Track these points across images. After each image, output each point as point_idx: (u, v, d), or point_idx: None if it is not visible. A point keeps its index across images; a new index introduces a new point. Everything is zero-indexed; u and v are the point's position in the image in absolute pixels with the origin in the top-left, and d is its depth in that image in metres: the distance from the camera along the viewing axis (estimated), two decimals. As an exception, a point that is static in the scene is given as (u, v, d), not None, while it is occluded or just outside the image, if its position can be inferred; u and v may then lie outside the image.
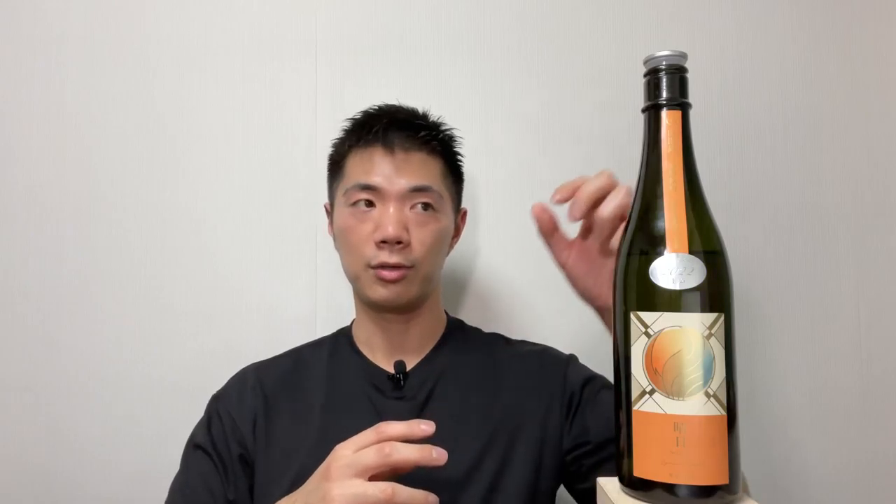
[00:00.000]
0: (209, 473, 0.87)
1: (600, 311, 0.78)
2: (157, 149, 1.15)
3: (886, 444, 1.13)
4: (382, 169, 0.87)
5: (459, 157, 0.96)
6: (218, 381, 0.94)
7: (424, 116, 0.93)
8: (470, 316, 1.09)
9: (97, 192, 1.14)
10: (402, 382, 0.89)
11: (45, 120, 1.14)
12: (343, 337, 0.97)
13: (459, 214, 0.97)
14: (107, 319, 1.13)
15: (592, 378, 0.92)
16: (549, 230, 0.77)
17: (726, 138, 1.16)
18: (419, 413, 0.86)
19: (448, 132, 0.94)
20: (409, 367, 0.91)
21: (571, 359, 0.96)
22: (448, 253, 0.96)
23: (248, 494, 0.87)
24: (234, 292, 1.14)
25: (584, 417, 0.88)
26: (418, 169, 0.88)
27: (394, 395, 0.88)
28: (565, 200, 0.70)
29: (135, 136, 1.15)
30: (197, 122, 1.15)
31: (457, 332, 0.97)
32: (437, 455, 0.64)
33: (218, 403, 0.91)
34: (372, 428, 0.66)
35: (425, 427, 0.65)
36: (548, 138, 1.16)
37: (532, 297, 1.15)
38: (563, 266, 0.79)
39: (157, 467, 1.07)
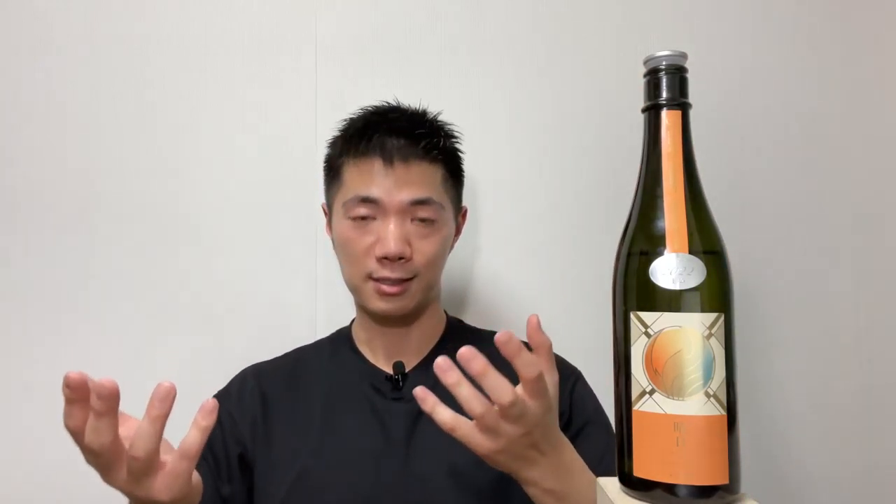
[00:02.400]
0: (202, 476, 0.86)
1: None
2: (156, 149, 1.14)
3: (887, 443, 1.13)
4: (381, 182, 0.85)
5: (461, 158, 0.95)
6: (218, 381, 0.95)
7: (423, 119, 0.91)
8: (471, 317, 1.09)
9: (97, 192, 1.13)
10: (400, 384, 0.89)
11: (45, 120, 1.14)
12: (343, 337, 0.97)
13: (460, 213, 0.97)
14: (106, 320, 1.12)
15: (592, 419, 0.90)
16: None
17: (726, 138, 1.16)
18: (418, 415, 0.86)
19: (448, 132, 0.92)
20: (408, 367, 0.91)
21: (579, 377, 0.94)
22: (449, 253, 0.95)
23: (246, 492, 0.87)
24: (234, 292, 1.14)
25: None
26: (418, 180, 0.86)
27: (392, 396, 0.89)
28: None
29: (134, 136, 1.14)
30: (197, 122, 1.15)
31: (456, 332, 0.97)
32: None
33: (218, 404, 0.91)
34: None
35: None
36: (548, 138, 1.16)
37: (532, 298, 1.15)
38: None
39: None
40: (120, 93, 1.14)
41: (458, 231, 0.97)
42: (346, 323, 1.00)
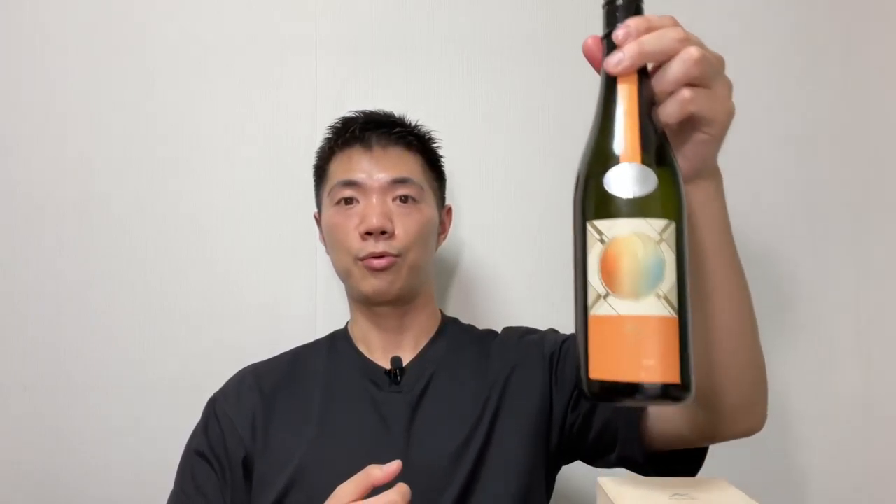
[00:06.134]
0: (205, 478, 0.87)
1: None
2: (156, 149, 1.16)
3: (887, 443, 1.10)
4: (362, 165, 0.92)
5: (439, 155, 1.00)
6: (218, 381, 0.95)
7: (400, 118, 0.98)
8: (459, 313, 1.08)
9: (97, 193, 1.15)
10: (398, 377, 0.90)
11: (45, 120, 1.16)
12: (340, 337, 0.99)
13: (444, 210, 1.00)
14: (107, 320, 1.14)
15: (570, 336, 0.93)
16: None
17: (726, 138, 1.16)
18: (416, 405, 0.88)
19: (421, 127, 0.99)
20: (405, 362, 0.92)
21: (550, 329, 0.97)
22: (436, 248, 0.98)
23: (247, 498, 0.87)
24: (234, 292, 1.15)
25: (566, 367, 0.89)
26: (396, 163, 0.92)
27: (391, 388, 0.90)
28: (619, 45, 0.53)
29: (135, 136, 1.16)
30: (197, 122, 1.17)
31: (451, 328, 0.99)
32: None
33: (216, 406, 0.92)
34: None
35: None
36: (548, 138, 1.17)
37: (532, 298, 1.15)
38: None
39: (157, 468, 1.06)
40: (119, 94, 1.17)
41: (444, 229, 1.01)
42: (345, 324, 1.01)
